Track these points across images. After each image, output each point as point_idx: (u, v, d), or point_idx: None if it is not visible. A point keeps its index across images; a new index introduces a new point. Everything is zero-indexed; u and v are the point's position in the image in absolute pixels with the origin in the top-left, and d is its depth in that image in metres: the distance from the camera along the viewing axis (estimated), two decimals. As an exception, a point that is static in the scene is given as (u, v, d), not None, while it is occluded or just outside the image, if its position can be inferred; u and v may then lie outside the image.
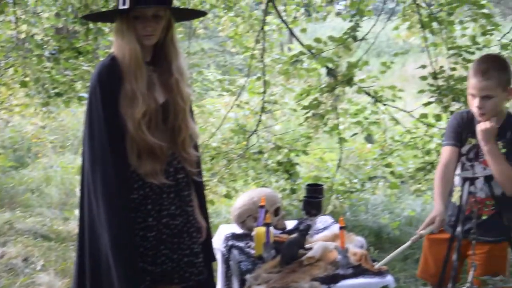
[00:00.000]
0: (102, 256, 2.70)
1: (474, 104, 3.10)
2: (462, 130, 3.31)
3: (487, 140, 3.02)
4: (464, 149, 3.29)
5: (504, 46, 5.09)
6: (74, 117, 10.22)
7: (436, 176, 3.29)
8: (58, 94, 6.36)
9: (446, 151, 3.30)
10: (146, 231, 2.78)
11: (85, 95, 5.62)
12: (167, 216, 2.83)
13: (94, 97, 2.67)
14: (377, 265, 3.06)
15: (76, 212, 5.78)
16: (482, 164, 3.15)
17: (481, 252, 3.15)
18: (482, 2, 5.35)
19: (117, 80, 2.67)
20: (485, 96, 3.03)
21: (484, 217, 3.16)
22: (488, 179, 2.68)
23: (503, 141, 3.12)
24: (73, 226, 6.20)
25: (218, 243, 3.78)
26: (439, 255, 3.25)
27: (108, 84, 2.67)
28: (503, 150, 3.10)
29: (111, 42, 5.17)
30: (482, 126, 3.03)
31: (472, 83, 3.09)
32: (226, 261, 3.54)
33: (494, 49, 5.27)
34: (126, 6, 2.63)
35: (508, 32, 5.28)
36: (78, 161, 8.88)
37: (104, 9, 5.51)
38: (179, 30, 7.59)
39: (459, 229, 2.62)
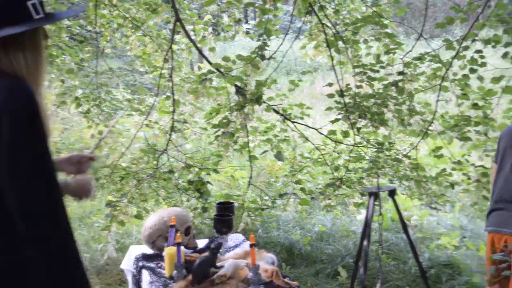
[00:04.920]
0: None
1: None
2: None
3: None
4: None
5: (406, 64, 5.26)
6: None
7: None
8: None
9: None
10: None
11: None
12: None
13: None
14: None
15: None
16: None
17: None
18: (385, 22, 5.53)
19: None
20: None
21: None
22: (392, 193, 2.75)
23: None
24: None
25: (128, 264, 3.72)
26: None
27: None
28: None
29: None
30: None
31: None
32: (137, 282, 3.48)
33: (398, 67, 5.45)
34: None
35: (410, 51, 5.47)
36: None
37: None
38: (87, 49, 7.47)
39: (365, 243, 2.67)
